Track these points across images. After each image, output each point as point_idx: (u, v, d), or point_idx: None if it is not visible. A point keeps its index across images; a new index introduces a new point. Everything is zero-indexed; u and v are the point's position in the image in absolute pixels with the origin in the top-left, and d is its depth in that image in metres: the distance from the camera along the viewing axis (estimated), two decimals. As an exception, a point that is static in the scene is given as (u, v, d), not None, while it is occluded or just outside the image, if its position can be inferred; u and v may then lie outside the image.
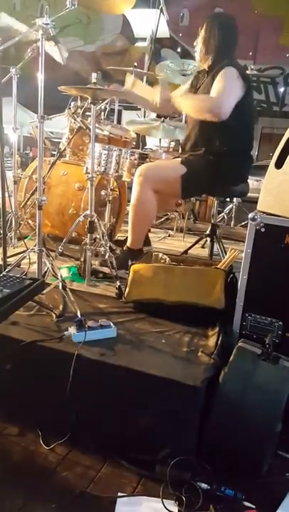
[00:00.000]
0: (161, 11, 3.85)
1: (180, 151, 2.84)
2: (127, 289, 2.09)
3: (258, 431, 1.44)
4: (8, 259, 2.20)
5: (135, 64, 3.90)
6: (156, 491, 1.41)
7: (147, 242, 2.74)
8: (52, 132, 7.71)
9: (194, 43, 2.50)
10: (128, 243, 2.46)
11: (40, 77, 2.02)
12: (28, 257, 2.22)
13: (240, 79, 2.29)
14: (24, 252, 2.27)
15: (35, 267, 2.18)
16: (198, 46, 2.48)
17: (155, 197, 2.36)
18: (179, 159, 2.46)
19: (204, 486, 1.40)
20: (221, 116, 2.20)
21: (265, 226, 1.74)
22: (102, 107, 3.20)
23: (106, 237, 2.54)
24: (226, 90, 2.23)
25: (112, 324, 1.79)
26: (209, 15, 2.56)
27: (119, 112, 5.15)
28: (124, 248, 2.49)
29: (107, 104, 3.21)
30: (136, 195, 2.36)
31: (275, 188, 1.79)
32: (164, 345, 1.75)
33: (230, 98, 2.23)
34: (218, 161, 2.37)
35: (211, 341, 1.79)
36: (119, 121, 4.63)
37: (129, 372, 1.56)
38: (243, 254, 1.80)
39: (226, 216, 4.58)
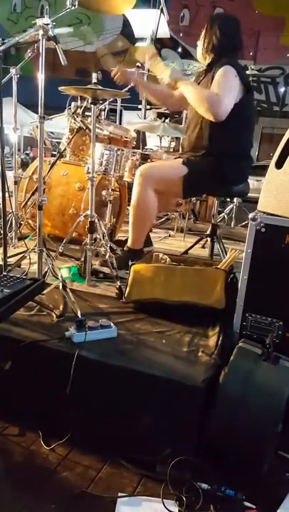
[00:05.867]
0: (162, 11, 3.85)
1: (180, 151, 2.84)
2: (128, 289, 2.09)
3: (259, 431, 1.43)
4: (8, 260, 2.19)
5: (138, 64, 3.90)
6: (156, 491, 1.41)
7: (149, 242, 2.73)
8: (52, 132, 7.71)
9: (198, 41, 2.49)
10: (128, 243, 2.45)
11: (41, 77, 2.02)
12: (28, 257, 2.22)
13: (239, 78, 2.28)
14: (24, 252, 2.27)
15: (35, 267, 2.18)
16: (200, 43, 2.48)
17: (156, 197, 2.35)
18: (180, 160, 2.46)
19: (204, 486, 1.40)
20: (218, 115, 2.19)
21: (266, 226, 1.74)
22: (102, 107, 3.20)
23: (106, 238, 2.53)
24: (226, 90, 2.23)
25: (112, 324, 1.79)
26: (212, 14, 2.55)
27: (120, 112, 5.14)
28: (125, 248, 2.49)
29: (106, 103, 3.21)
30: (136, 194, 2.35)
31: (275, 188, 1.79)
32: (164, 345, 1.75)
33: (230, 98, 2.23)
34: (219, 161, 2.37)
35: (212, 341, 1.79)
36: (120, 122, 4.63)
37: (129, 372, 1.56)
38: (244, 254, 1.81)
39: (226, 216, 4.57)
